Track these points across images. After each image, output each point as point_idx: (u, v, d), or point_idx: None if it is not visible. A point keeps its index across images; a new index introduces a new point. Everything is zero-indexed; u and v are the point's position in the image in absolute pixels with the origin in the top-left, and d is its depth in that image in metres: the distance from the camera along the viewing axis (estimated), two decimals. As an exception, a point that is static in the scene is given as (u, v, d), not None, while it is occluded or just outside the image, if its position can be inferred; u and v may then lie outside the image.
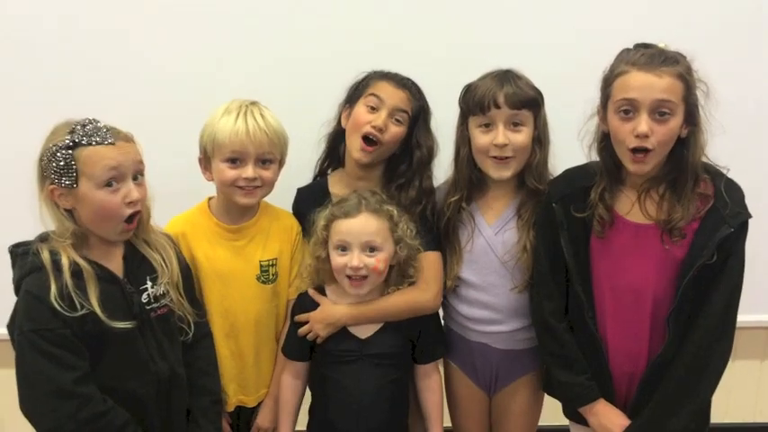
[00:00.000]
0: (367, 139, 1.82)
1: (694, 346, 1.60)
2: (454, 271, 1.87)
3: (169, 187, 1.73)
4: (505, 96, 1.75)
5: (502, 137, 1.76)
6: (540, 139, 1.82)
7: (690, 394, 1.62)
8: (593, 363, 1.73)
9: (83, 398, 1.47)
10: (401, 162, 1.90)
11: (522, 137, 1.78)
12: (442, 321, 1.99)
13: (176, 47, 2.25)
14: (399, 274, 1.81)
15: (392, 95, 1.85)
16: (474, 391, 1.96)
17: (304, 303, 1.83)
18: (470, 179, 1.86)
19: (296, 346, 1.83)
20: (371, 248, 1.73)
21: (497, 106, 1.75)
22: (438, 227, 1.89)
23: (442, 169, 1.95)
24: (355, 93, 1.90)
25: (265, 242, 1.86)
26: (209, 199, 1.88)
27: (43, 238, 1.55)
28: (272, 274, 1.86)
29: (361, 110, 1.85)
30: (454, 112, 1.88)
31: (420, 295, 1.82)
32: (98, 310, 1.48)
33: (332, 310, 1.79)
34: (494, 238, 1.85)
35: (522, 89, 1.77)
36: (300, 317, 1.82)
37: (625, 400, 1.74)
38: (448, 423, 1.99)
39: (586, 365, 1.73)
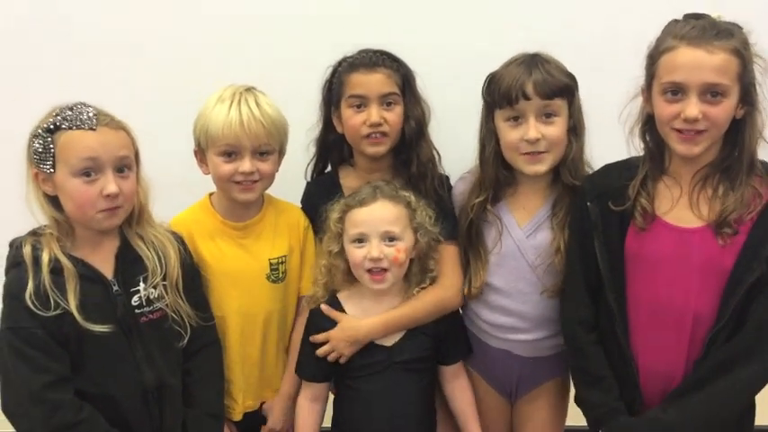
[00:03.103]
0: (372, 135, 1.75)
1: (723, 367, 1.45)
2: (480, 278, 1.74)
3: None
4: (535, 85, 1.60)
5: (533, 131, 1.61)
6: (576, 129, 1.68)
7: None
8: (622, 381, 1.58)
9: (53, 404, 1.40)
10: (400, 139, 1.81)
11: (556, 129, 1.64)
12: None
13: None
14: (420, 268, 1.71)
15: (371, 85, 1.74)
16: (495, 398, 1.83)
17: (319, 321, 1.70)
18: (497, 178, 1.72)
19: (312, 366, 1.70)
20: (391, 238, 1.63)
21: (526, 97, 1.61)
22: (454, 214, 1.80)
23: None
24: (332, 95, 1.82)
25: (273, 238, 1.78)
26: (210, 195, 1.80)
27: (33, 231, 1.50)
28: (282, 272, 1.77)
29: (348, 113, 1.77)
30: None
31: (444, 293, 1.73)
32: (75, 311, 1.41)
33: (356, 327, 1.66)
34: (525, 241, 1.71)
35: (554, 75, 1.62)
36: (317, 337, 1.68)
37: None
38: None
39: (615, 384, 1.58)
